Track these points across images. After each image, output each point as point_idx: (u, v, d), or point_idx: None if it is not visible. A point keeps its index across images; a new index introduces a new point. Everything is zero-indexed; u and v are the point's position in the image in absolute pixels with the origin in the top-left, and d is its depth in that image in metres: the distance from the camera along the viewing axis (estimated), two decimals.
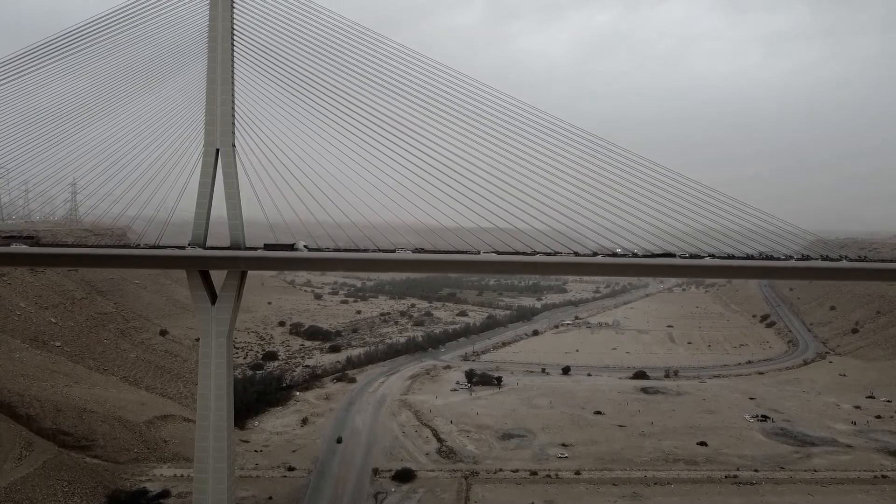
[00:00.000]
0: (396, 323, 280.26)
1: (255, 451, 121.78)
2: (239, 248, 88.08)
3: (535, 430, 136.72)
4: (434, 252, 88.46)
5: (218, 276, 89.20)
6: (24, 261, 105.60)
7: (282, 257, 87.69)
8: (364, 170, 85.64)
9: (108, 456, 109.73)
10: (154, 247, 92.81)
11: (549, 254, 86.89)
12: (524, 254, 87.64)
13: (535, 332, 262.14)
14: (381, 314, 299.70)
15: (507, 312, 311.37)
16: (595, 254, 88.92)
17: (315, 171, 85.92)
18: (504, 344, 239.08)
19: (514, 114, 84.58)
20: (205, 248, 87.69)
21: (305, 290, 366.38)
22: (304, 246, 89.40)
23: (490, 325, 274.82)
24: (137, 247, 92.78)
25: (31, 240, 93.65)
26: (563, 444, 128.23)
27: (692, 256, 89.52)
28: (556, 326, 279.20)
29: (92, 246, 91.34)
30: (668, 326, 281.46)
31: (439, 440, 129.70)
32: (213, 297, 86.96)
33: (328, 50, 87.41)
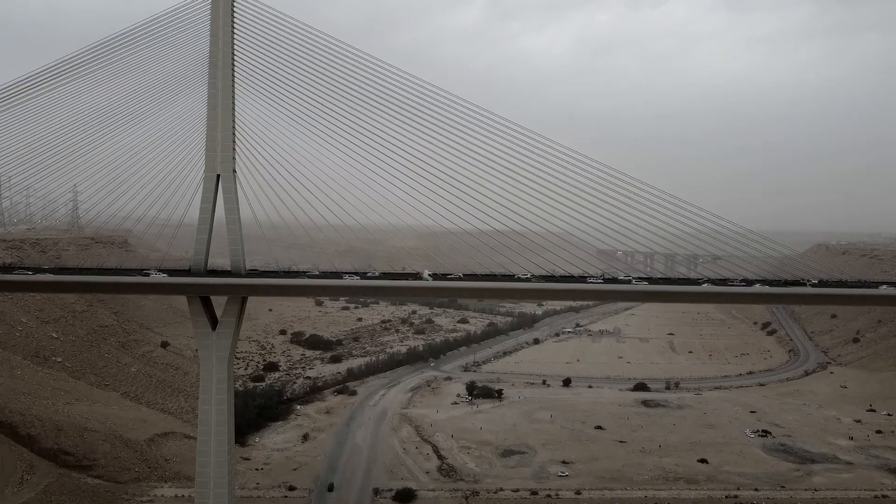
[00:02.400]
0: (397, 331, 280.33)
1: (256, 469, 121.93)
2: (240, 274, 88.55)
3: (535, 447, 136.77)
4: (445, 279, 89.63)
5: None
6: (14, 288, 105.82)
7: (282, 284, 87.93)
8: (366, 180, 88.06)
9: (109, 476, 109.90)
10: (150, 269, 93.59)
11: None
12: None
13: (536, 341, 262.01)
14: (382, 321, 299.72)
15: (508, 319, 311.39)
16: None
17: (312, 190, 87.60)
18: (505, 353, 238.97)
19: (498, 126, 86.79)
20: (206, 273, 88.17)
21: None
22: (429, 275, 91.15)
23: (491, 332, 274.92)
24: (139, 272, 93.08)
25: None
26: (564, 462, 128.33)
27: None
28: (557, 334, 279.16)
29: (90, 273, 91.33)
30: (669, 334, 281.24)
31: (440, 457, 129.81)
32: (214, 323, 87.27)
33: (328, 73, 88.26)
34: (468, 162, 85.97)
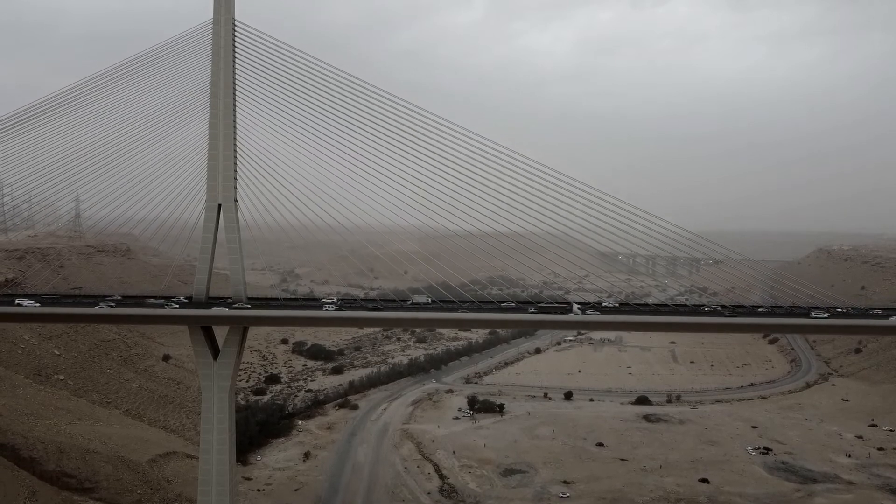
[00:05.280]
0: (399, 339, 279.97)
1: (258, 489, 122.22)
2: (241, 302, 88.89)
3: (536, 465, 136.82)
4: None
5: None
6: (12, 319, 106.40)
7: (283, 316, 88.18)
8: (369, 186, 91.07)
9: (111, 498, 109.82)
10: (156, 297, 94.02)
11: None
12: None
13: (538, 350, 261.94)
14: (384, 329, 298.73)
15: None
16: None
17: (318, 194, 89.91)
18: (506, 364, 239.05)
19: (496, 131, 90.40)
20: (207, 302, 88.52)
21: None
22: (578, 308, 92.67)
23: (492, 341, 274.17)
24: (141, 299, 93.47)
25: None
26: (565, 482, 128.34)
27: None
28: (559, 343, 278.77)
29: (89, 302, 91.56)
30: (671, 342, 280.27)
31: (441, 477, 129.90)
32: (216, 352, 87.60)
33: (327, 94, 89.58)
34: (467, 166, 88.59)
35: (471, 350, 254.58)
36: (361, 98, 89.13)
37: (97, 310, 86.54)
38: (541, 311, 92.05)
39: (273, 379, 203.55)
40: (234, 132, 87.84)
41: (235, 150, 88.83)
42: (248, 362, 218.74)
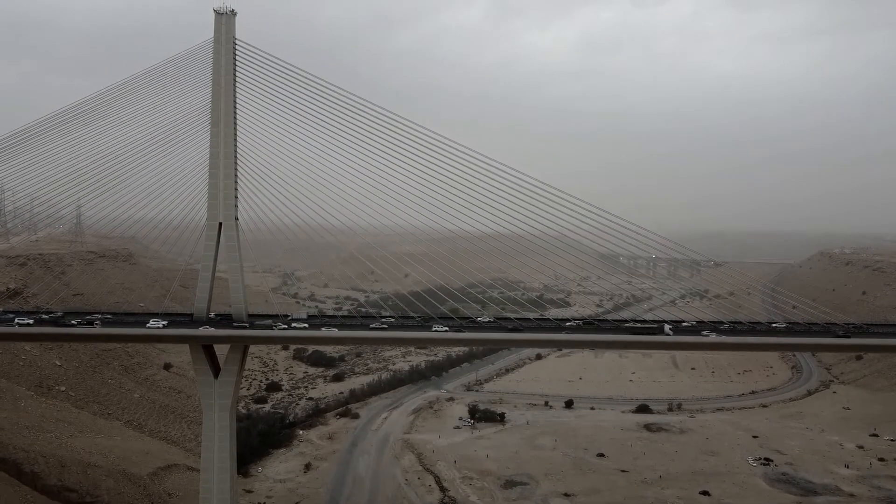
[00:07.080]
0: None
1: (259, 503, 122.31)
2: (242, 321, 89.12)
3: (537, 477, 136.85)
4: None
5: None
6: (9, 338, 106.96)
7: (284, 335, 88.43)
8: (369, 190, 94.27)
9: None
10: (157, 314, 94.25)
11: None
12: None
13: (539, 356, 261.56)
14: None
15: None
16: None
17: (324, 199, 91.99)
18: (507, 370, 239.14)
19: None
20: (208, 319, 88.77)
21: (309, 306, 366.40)
22: (670, 330, 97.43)
23: (494, 347, 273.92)
24: (142, 320, 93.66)
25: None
26: (566, 494, 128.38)
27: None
28: (559, 348, 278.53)
29: (90, 322, 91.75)
30: None
31: (442, 489, 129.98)
32: (216, 370, 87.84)
33: (331, 112, 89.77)
34: (463, 171, 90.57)
35: (472, 356, 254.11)
36: (360, 109, 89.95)
37: (97, 330, 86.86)
38: (632, 331, 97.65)
39: (274, 387, 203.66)
40: (235, 150, 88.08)
41: (236, 169, 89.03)
42: (249, 369, 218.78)
